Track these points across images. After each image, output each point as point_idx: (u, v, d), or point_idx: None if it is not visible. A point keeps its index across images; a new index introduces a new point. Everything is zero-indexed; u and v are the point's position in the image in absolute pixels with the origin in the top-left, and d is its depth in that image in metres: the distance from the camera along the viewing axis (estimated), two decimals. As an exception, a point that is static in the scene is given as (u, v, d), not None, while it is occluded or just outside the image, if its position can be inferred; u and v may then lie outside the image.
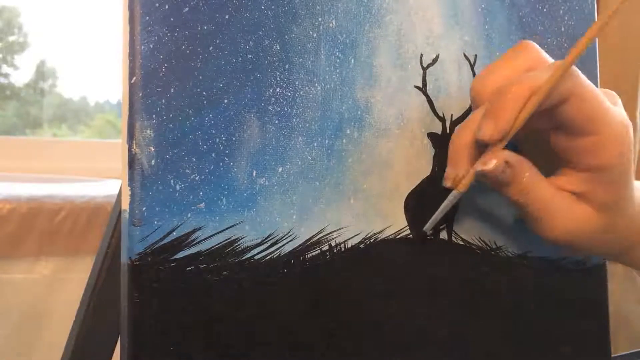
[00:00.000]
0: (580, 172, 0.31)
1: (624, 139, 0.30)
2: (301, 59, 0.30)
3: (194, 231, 0.28)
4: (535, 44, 0.32)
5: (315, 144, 0.31)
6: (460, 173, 0.31)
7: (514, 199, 0.31)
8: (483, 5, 0.36)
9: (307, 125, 0.30)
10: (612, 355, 0.40)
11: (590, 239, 0.32)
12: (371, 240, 0.32)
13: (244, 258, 0.29)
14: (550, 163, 0.32)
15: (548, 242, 0.32)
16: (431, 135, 0.34)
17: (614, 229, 0.32)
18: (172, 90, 0.27)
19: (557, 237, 0.32)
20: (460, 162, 0.31)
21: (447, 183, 0.31)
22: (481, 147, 0.30)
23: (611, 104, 0.30)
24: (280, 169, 0.30)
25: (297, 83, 0.30)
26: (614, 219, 0.32)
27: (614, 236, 0.33)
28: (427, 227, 0.33)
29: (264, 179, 0.29)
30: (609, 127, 0.30)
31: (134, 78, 0.27)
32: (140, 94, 0.27)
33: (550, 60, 0.32)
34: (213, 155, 0.28)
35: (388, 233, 0.33)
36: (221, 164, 0.28)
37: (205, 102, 0.28)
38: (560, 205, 0.31)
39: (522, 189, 0.30)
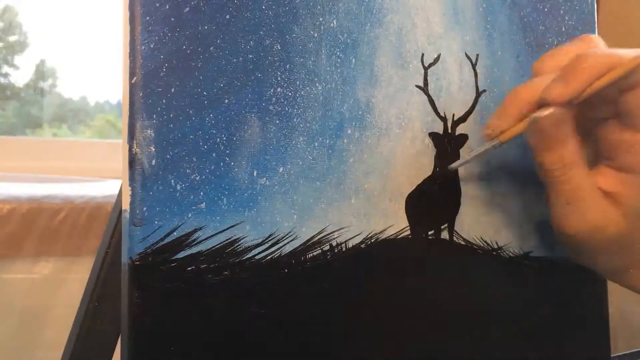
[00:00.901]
0: (618, 171, 0.31)
1: None
2: (302, 59, 0.30)
3: (195, 231, 0.27)
4: (596, 36, 0.32)
5: (316, 144, 0.30)
6: (504, 125, 0.31)
7: (550, 168, 0.30)
8: (484, 5, 0.36)
9: (308, 125, 0.30)
10: (612, 355, 0.40)
11: (607, 242, 0.31)
12: (372, 240, 0.32)
13: (244, 258, 0.29)
14: (588, 160, 0.32)
15: (566, 235, 0.31)
16: (432, 135, 0.34)
17: (632, 239, 0.32)
18: (173, 90, 0.27)
19: (579, 230, 0.31)
20: (509, 115, 0.31)
21: (487, 131, 0.31)
22: (535, 110, 0.30)
23: None
24: (281, 169, 0.30)
25: (298, 83, 0.30)
26: (636, 229, 0.31)
27: (629, 248, 0.32)
28: (453, 166, 0.33)
29: (264, 178, 0.29)
30: None
31: (135, 78, 0.26)
32: (141, 94, 0.26)
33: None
34: (214, 155, 0.28)
35: (389, 233, 0.33)
36: (222, 163, 0.28)
37: (205, 102, 0.28)
38: (590, 195, 0.31)
39: (562, 154, 0.30)
